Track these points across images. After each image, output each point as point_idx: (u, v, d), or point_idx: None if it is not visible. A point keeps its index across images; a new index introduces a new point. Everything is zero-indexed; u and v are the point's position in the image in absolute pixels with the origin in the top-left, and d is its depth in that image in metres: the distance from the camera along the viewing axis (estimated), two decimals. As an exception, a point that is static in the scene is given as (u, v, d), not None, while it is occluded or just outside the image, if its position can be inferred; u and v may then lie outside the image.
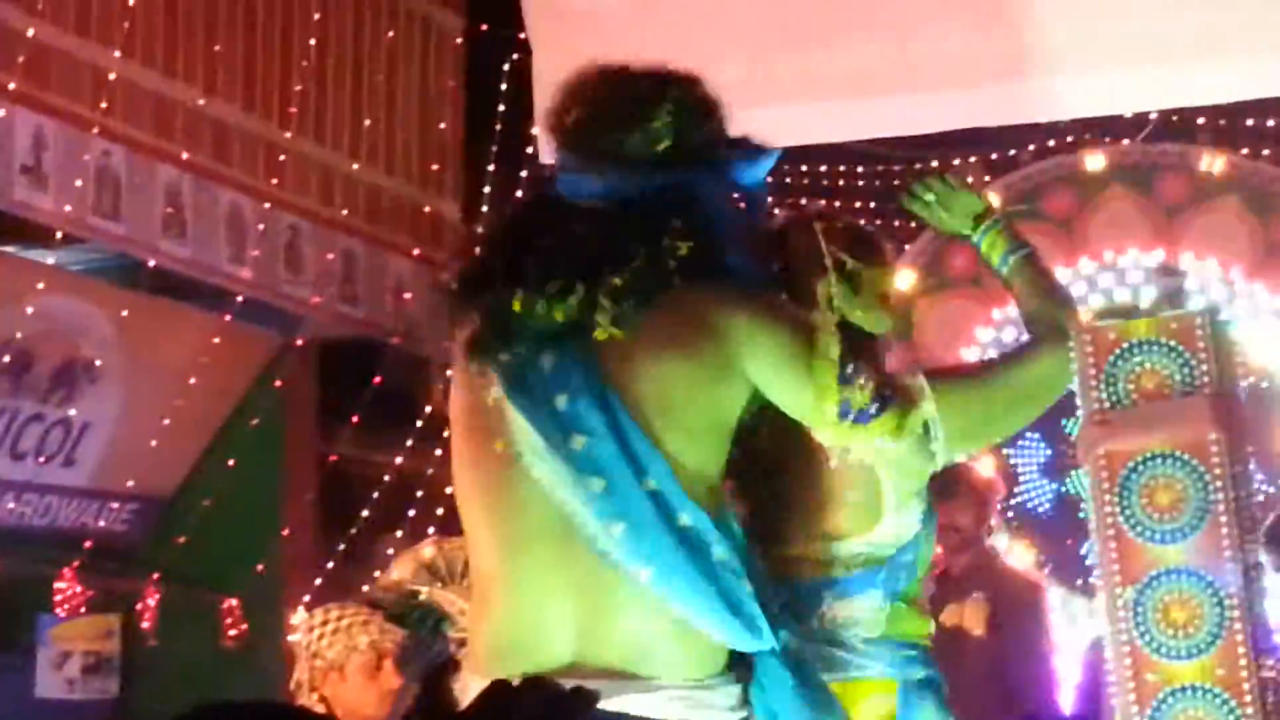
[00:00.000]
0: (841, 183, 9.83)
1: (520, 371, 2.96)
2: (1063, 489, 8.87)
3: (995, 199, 9.23)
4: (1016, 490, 8.92)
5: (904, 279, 9.37)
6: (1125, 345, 7.68)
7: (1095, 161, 9.04)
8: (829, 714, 3.02)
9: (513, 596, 2.91)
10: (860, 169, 9.75)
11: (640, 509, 2.88)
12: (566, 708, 2.18)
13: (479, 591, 3.00)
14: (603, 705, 2.55)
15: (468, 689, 2.93)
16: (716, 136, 3.14)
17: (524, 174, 7.84)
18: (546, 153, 7.65)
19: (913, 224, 9.66)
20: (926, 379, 3.33)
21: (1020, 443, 9.11)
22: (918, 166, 9.53)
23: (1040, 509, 8.84)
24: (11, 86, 7.93)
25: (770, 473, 3.42)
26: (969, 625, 6.95)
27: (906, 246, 8.64)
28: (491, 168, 8.96)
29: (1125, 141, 8.99)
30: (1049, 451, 9.09)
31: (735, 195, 3.12)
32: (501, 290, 2.98)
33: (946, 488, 7.30)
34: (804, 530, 3.46)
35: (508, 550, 2.93)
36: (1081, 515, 8.85)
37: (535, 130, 7.63)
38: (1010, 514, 8.86)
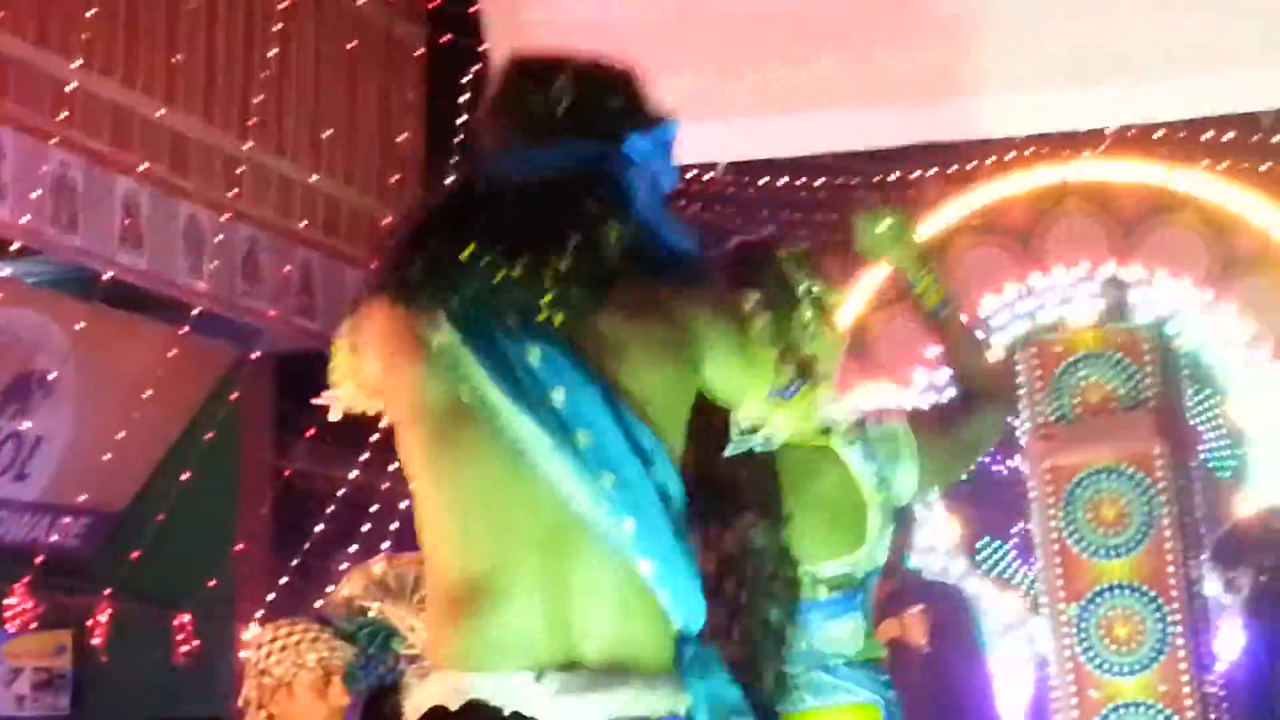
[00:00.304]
0: (802, 195, 9.87)
1: (507, 364, 2.90)
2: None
3: (952, 212, 9.35)
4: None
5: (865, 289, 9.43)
6: (1071, 359, 7.80)
7: (1052, 176, 9.11)
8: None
9: (517, 595, 2.86)
10: (820, 182, 9.78)
11: (650, 502, 2.86)
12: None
13: (466, 592, 2.95)
14: (608, 699, 2.73)
15: (464, 690, 2.93)
16: (622, 109, 3.07)
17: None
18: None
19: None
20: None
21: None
22: (877, 179, 9.60)
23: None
24: (-34, 97, 7.94)
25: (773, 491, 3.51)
26: (912, 637, 6.97)
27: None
28: (452, 179, 8.94)
29: (1084, 155, 9.04)
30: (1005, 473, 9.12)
31: (642, 169, 3.02)
32: (444, 242, 2.91)
33: None
34: (798, 550, 3.52)
35: (513, 549, 2.88)
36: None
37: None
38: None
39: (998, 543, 9.03)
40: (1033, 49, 7.26)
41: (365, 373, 2.98)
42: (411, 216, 3.04)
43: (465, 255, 2.86)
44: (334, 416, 3.10)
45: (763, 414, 3.04)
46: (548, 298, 2.84)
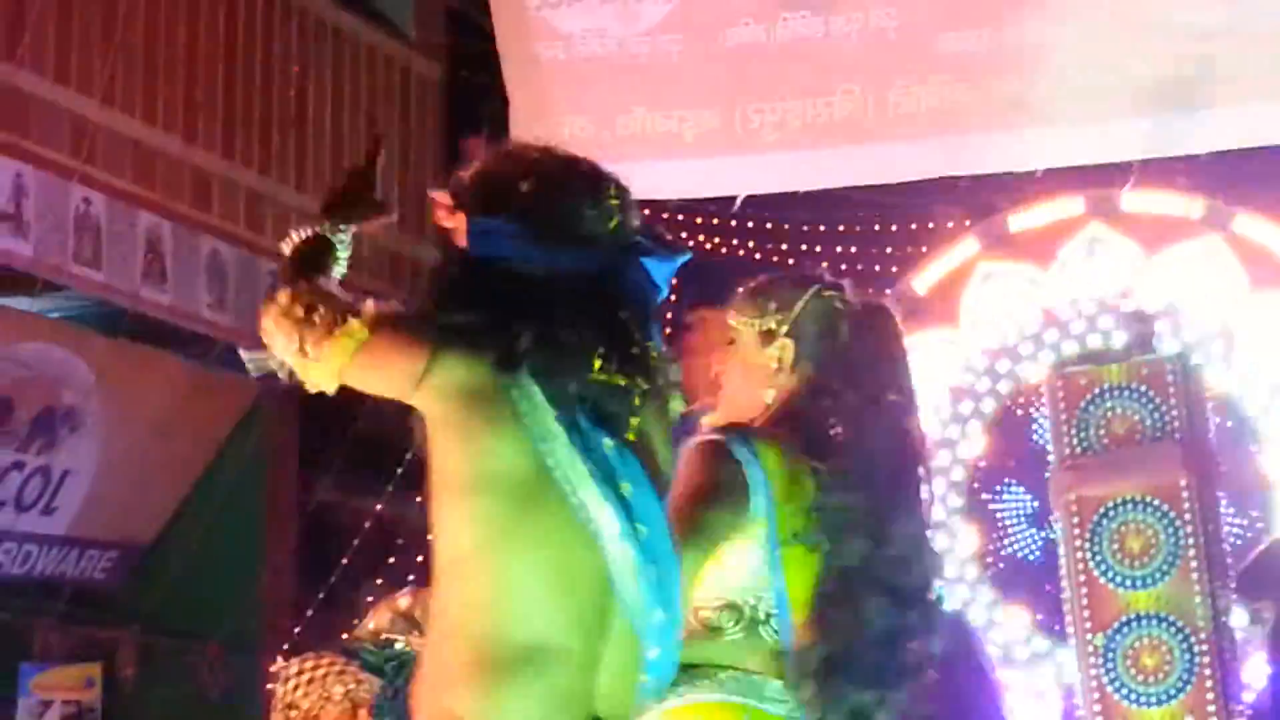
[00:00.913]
0: (822, 228, 9.85)
1: (590, 449, 3.03)
2: (1050, 536, 8.85)
3: (975, 244, 9.33)
4: (1005, 541, 8.90)
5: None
6: (1096, 390, 7.79)
7: (1074, 207, 9.09)
8: None
9: (566, 663, 3.02)
10: (839, 217, 9.77)
11: (674, 598, 3.07)
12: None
13: (521, 653, 3.03)
14: None
15: None
16: (639, 226, 3.21)
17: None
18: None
19: (892, 269, 9.71)
20: None
21: (1004, 495, 9.11)
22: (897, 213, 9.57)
23: (1030, 557, 8.82)
24: (-9, 134, 7.98)
25: None
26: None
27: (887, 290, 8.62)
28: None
29: (1109, 187, 9.01)
30: (1035, 502, 9.08)
31: (650, 284, 3.17)
32: (548, 323, 3.02)
33: None
34: None
35: (570, 620, 3.02)
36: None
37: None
38: (1001, 565, 8.84)
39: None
40: (1055, 83, 7.26)
41: (380, 384, 3.08)
42: (465, 274, 3.12)
43: (593, 358, 3.01)
44: (254, 371, 3.18)
45: None
46: (635, 419, 3.04)
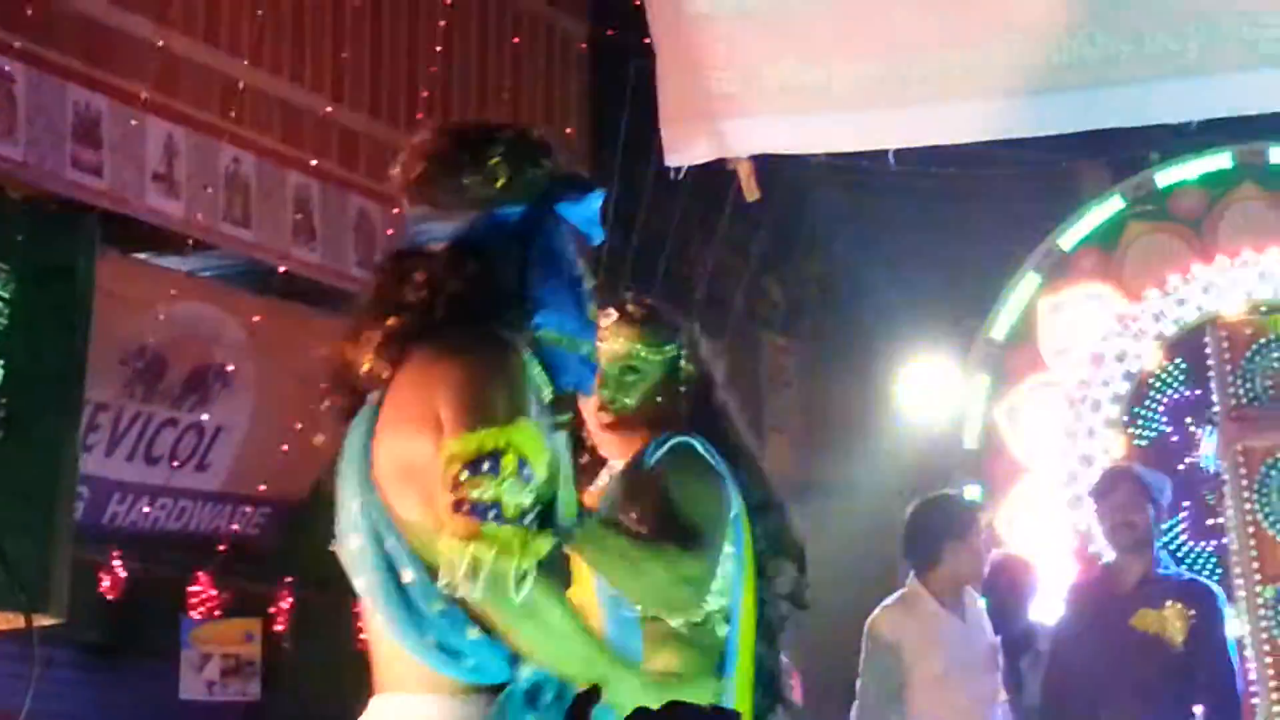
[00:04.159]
0: (968, 183, 9.78)
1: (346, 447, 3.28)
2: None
3: (1122, 201, 9.23)
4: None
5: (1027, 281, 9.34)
6: (1262, 341, 7.70)
7: (1224, 161, 8.98)
8: None
9: None
10: (984, 171, 9.69)
11: (376, 568, 3.15)
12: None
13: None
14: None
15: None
16: (550, 177, 3.32)
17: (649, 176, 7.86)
18: (671, 157, 7.73)
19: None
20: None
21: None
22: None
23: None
24: (143, 96, 8.06)
25: None
26: (1171, 635, 6.91)
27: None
28: (617, 172, 8.98)
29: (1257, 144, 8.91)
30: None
31: (568, 232, 3.31)
32: (342, 343, 3.32)
33: (1106, 484, 7.27)
34: None
35: None
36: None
37: (661, 135, 7.68)
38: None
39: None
40: (1198, 33, 7.14)
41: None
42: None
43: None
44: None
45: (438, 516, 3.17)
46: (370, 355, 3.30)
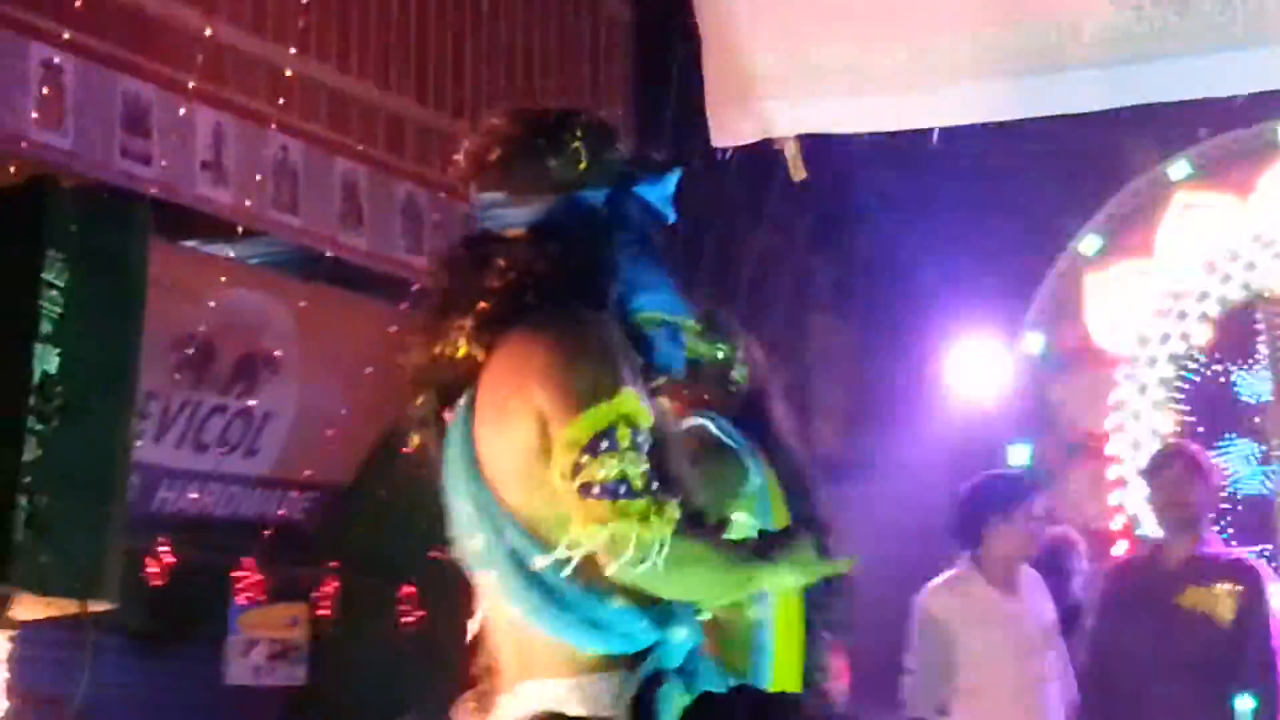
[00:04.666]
0: (1014, 162, 9.75)
1: (446, 449, 3.27)
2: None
3: (1183, 169, 9.18)
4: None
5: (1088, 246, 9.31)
6: (1313, 316, 7.65)
7: (1273, 135, 8.95)
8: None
9: None
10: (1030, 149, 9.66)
11: (503, 561, 3.14)
12: (775, 710, 2.56)
13: None
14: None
15: None
16: (624, 157, 3.34)
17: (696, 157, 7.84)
18: (717, 138, 7.73)
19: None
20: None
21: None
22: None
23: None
24: (191, 84, 8.09)
25: None
26: (1220, 613, 6.91)
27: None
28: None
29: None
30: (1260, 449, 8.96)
31: (647, 213, 3.30)
32: (422, 343, 3.27)
33: (1159, 462, 7.26)
34: None
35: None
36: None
37: (707, 116, 7.67)
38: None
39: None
40: (1255, 2, 7.09)
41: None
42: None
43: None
44: None
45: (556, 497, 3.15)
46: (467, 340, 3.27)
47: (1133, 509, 9.05)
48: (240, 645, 9.90)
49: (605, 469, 2.97)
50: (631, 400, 3.02)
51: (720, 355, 4.65)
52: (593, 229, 3.23)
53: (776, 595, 4.34)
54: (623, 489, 2.97)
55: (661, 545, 2.96)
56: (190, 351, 8.83)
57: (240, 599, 9.84)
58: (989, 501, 7.35)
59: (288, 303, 9.15)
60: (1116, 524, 9.15)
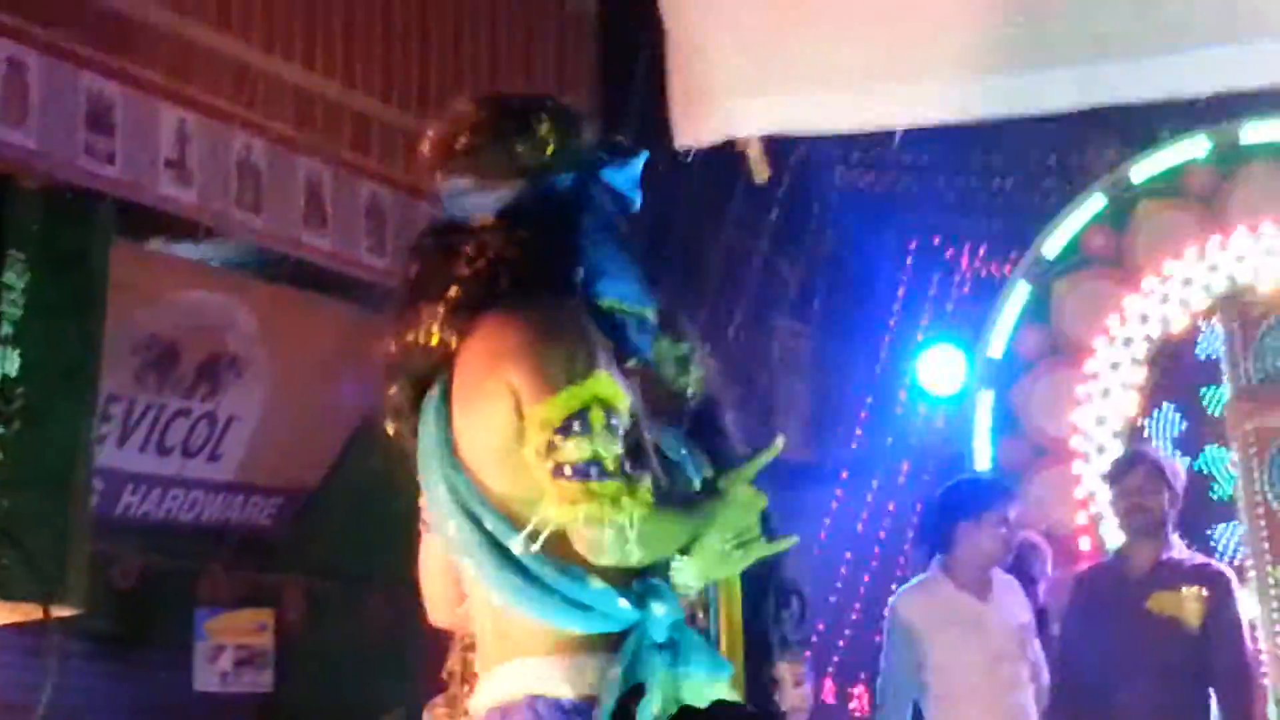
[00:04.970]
0: (980, 161, 9.80)
1: (421, 436, 3.27)
2: (1195, 465, 8.77)
3: (1135, 176, 9.22)
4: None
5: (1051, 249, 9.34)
6: (1273, 319, 7.67)
7: (1236, 136, 8.97)
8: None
9: None
10: (994, 151, 9.71)
11: (480, 548, 3.15)
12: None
13: None
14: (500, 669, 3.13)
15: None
16: (591, 143, 3.35)
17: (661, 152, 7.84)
18: (680, 137, 7.73)
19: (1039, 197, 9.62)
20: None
21: (1155, 412, 9.04)
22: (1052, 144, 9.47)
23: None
24: (156, 82, 8.07)
25: None
26: (1188, 618, 6.92)
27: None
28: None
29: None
30: (1184, 425, 9.00)
31: (614, 197, 3.32)
32: (394, 331, 3.29)
33: (1121, 468, 7.27)
34: None
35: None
36: (1212, 496, 8.79)
37: (671, 114, 7.67)
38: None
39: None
40: (1212, 5, 7.12)
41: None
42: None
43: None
44: None
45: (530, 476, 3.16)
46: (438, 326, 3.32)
47: (1097, 514, 9.07)
48: (207, 651, 9.87)
49: (579, 450, 2.99)
50: (606, 382, 3.04)
51: (681, 354, 4.66)
52: (560, 214, 3.24)
53: (721, 607, 4.38)
54: (594, 470, 2.99)
55: (632, 525, 2.99)
56: (153, 355, 8.81)
57: (206, 604, 9.81)
58: (959, 505, 7.36)
59: (251, 304, 9.12)
60: (1081, 529, 9.17)
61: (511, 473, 3.10)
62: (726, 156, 7.91)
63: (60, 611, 6.47)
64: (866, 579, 9.22)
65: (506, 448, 3.09)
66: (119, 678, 9.57)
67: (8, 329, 6.22)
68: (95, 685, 9.20)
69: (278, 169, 8.72)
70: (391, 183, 9.27)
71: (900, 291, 10.40)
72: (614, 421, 3.02)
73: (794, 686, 6.47)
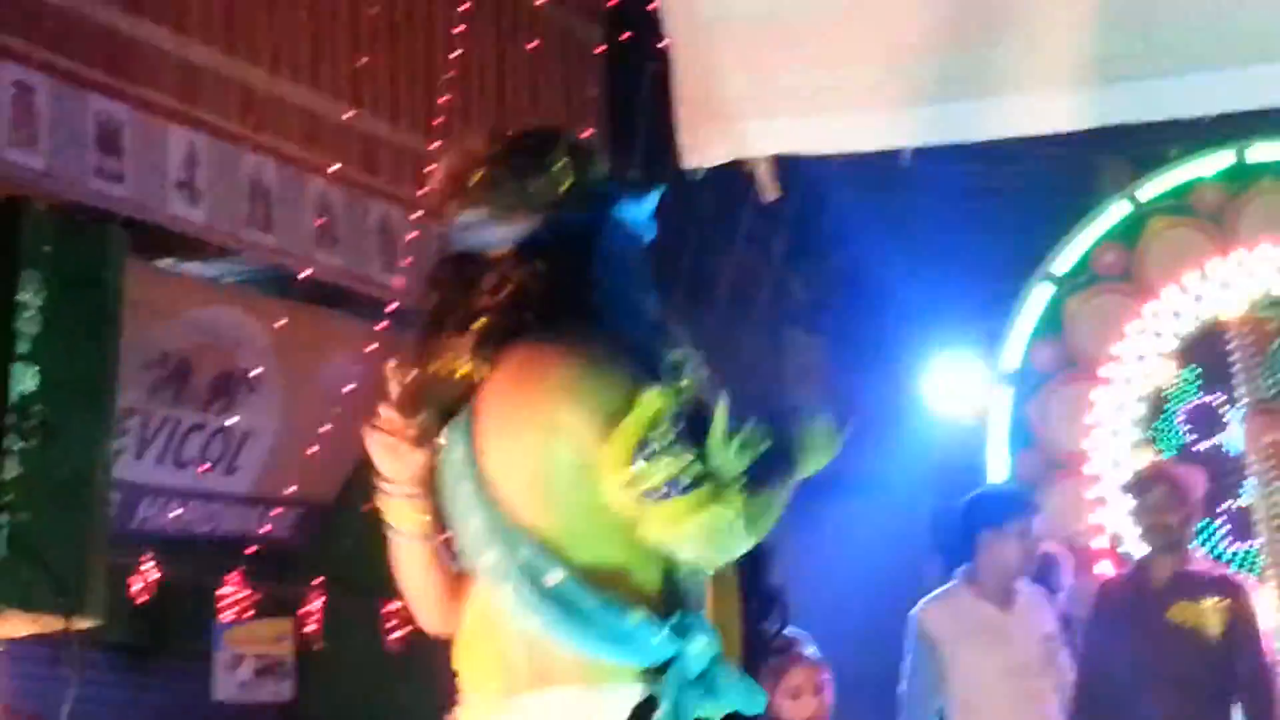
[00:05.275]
0: (988, 182, 9.77)
1: (444, 466, 3.28)
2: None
3: (1145, 194, 9.21)
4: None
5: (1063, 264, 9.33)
6: (1286, 334, 7.66)
7: (1244, 155, 8.96)
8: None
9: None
10: (1005, 169, 9.68)
11: (518, 576, 3.15)
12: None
13: None
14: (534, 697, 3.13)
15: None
16: (605, 178, 3.35)
17: (667, 181, 7.86)
18: (688, 159, 7.75)
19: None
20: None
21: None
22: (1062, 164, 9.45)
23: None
24: (165, 104, 8.12)
25: None
26: (1208, 629, 6.93)
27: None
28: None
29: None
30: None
31: (628, 232, 3.32)
32: (416, 361, 3.28)
33: (1142, 484, 7.27)
34: None
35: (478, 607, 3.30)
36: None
37: (678, 137, 7.70)
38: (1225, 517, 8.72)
39: (1206, 521, 8.87)
40: (1217, 27, 7.11)
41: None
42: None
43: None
44: None
45: (622, 508, 3.15)
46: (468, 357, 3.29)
47: (1113, 526, 9.06)
48: (227, 661, 9.91)
49: (659, 471, 3.04)
50: (653, 398, 3.08)
51: (674, 360, 4.66)
52: (576, 248, 3.25)
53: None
54: (684, 482, 3.04)
55: (739, 515, 3.06)
56: (167, 370, 8.86)
57: (226, 615, 9.86)
58: (980, 515, 7.41)
59: (264, 321, 9.17)
60: (1098, 541, 9.16)
61: (551, 507, 3.13)
62: (737, 175, 7.94)
63: (80, 623, 6.52)
64: (881, 591, 9.18)
65: (547, 483, 3.13)
66: (139, 688, 9.64)
67: (25, 346, 6.23)
68: (115, 696, 9.27)
69: (287, 189, 8.77)
70: (401, 202, 9.31)
71: (914, 305, 10.37)
72: (677, 429, 3.07)
73: (812, 695, 6.50)
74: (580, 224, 3.27)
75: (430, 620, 3.58)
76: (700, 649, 3.15)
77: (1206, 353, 8.85)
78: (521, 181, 3.26)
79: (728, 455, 3.10)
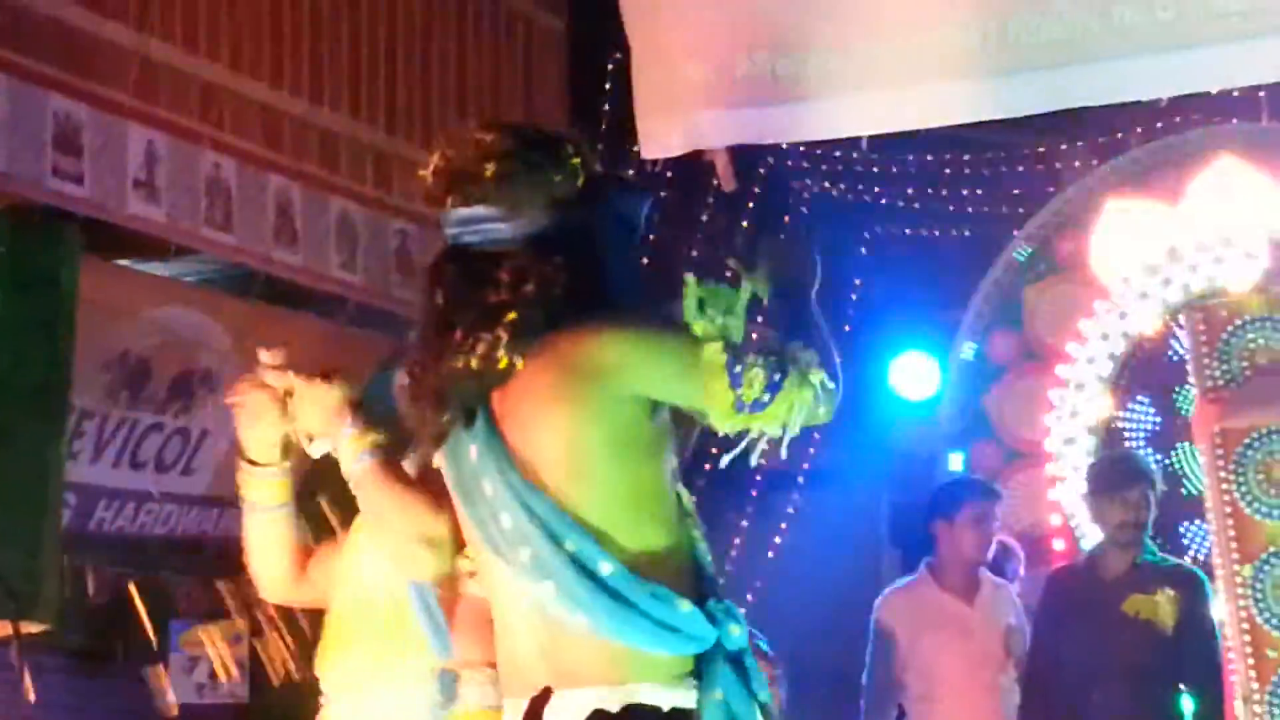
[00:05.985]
0: (946, 171, 9.81)
1: (456, 465, 3.28)
2: (1167, 462, 8.80)
3: (1102, 178, 9.25)
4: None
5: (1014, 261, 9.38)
6: (1238, 322, 7.72)
7: (1202, 140, 9.00)
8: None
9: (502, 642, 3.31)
10: (964, 156, 9.72)
11: (563, 569, 3.14)
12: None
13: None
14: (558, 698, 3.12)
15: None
16: (603, 175, 3.41)
17: (629, 170, 7.88)
18: (648, 149, 7.75)
19: (1017, 209, 9.65)
20: None
21: (1131, 406, 9.08)
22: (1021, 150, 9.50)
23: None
24: (123, 102, 8.06)
25: None
26: (1162, 619, 6.95)
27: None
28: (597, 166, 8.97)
29: (1234, 120, 8.92)
30: (1159, 420, 9.03)
31: (625, 225, 3.36)
32: (431, 359, 3.28)
33: (1117, 482, 7.26)
34: None
35: (498, 609, 3.29)
36: (1184, 493, 8.83)
37: (639, 126, 7.70)
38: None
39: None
40: (1175, 6, 7.14)
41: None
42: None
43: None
44: None
45: (736, 427, 3.20)
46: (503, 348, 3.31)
47: (1071, 517, 9.10)
48: (183, 663, 9.86)
49: (756, 383, 3.09)
50: (709, 330, 3.12)
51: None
52: (587, 241, 3.27)
53: None
54: (775, 382, 3.10)
55: (823, 384, 3.14)
56: (125, 371, 8.79)
57: (181, 617, 9.81)
58: (935, 506, 7.43)
59: (223, 321, 9.11)
60: (1054, 531, 9.20)
61: (589, 491, 3.14)
62: (696, 167, 7.95)
63: (32, 627, 6.47)
64: (839, 583, 9.21)
65: (590, 464, 3.14)
66: (95, 691, 9.56)
67: (-23, 348, 6.20)
68: (72, 699, 9.20)
69: (247, 186, 8.72)
70: (361, 199, 9.28)
71: (873, 297, 10.41)
72: (746, 344, 3.12)
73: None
74: (587, 217, 3.29)
75: (275, 590, 3.57)
76: (738, 635, 3.18)
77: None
78: (540, 177, 3.28)
79: (767, 333, 3.18)
